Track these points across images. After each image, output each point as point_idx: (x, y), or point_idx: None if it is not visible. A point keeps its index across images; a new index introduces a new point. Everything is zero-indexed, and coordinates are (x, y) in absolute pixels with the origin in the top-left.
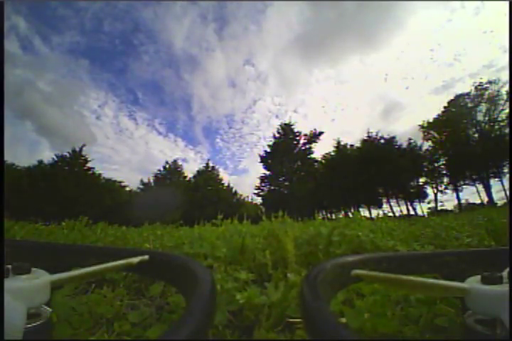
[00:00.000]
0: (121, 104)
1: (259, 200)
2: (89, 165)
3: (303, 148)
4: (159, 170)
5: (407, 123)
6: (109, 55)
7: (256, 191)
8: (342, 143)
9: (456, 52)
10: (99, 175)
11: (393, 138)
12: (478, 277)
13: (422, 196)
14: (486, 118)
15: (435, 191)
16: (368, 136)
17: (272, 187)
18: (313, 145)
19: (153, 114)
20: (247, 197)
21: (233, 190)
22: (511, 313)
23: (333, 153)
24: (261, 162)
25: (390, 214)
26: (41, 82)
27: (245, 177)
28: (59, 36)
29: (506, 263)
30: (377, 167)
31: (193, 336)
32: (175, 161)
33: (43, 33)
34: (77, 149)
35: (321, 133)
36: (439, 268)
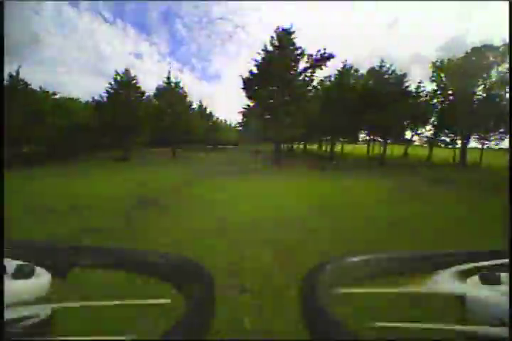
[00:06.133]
0: None
1: (237, 119)
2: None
3: (302, 73)
4: (110, 85)
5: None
6: None
7: (238, 124)
8: (347, 67)
9: None
10: (47, 95)
11: (404, 75)
12: (477, 277)
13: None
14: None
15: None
16: (380, 66)
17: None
18: (316, 71)
19: None
20: (224, 120)
21: (206, 110)
22: (511, 313)
23: (333, 79)
24: (243, 88)
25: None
26: None
27: (218, 85)
28: None
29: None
30: (379, 105)
31: (192, 336)
32: (127, 71)
33: None
34: (14, 73)
35: (331, 56)
36: (439, 268)
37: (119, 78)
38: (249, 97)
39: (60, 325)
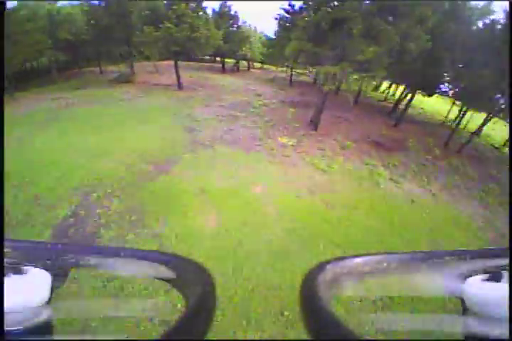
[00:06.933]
0: None
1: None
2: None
3: None
4: None
5: None
6: None
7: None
8: None
9: None
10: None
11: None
12: (478, 277)
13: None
14: None
15: None
16: None
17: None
18: None
19: None
20: (254, 28)
21: (230, 10)
22: (511, 313)
23: None
24: None
25: None
26: None
27: None
28: None
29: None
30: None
31: (192, 336)
32: None
33: None
34: None
35: None
36: (439, 268)
37: None
38: None
39: (60, 324)
